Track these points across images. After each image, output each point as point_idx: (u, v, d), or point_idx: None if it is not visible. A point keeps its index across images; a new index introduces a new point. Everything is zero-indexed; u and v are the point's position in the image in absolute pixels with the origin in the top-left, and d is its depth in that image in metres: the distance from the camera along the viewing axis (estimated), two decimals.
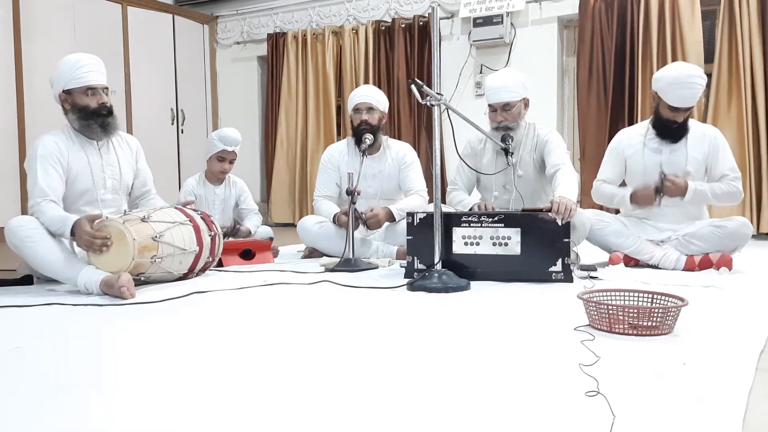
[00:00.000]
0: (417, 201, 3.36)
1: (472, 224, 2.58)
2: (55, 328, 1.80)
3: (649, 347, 1.48)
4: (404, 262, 2.73)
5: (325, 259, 3.14)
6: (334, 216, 3.27)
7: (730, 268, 2.70)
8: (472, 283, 2.42)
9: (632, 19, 4.77)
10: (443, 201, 2.98)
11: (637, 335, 1.58)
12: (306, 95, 6.06)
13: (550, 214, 2.51)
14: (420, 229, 2.62)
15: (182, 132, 6.23)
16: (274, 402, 1.14)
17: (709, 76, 4.53)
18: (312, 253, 3.48)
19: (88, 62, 2.57)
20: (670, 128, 2.87)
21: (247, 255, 3.24)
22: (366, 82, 5.64)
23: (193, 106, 6.38)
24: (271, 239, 3.57)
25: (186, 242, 2.57)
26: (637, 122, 4.22)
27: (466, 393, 1.17)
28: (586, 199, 4.49)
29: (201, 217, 2.78)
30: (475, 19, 5.20)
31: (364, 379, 1.27)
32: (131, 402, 1.15)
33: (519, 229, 2.52)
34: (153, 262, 2.42)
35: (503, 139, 2.93)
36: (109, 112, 2.62)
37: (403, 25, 5.62)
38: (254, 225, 3.62)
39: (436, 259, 2.44)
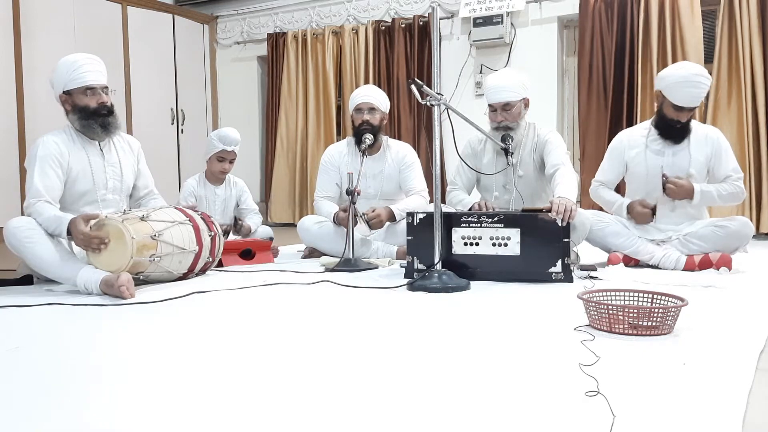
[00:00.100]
0: (418, 201, 3.36)
1: (472, 224, 2.58)
2: (55, 328, 1.80)
3: (649, 347, 1.48)
4: (404, 262, 2.73)
5: (325, 259, 3.14)
6: (333, 215, 3.26)
7: (730, 268, 2.70)
8: (472, 283, 2.42)
9: (632, 19, 4.77)
10: (443, 201, 2.98)
11: (637, 335, 1.58)
12: (306, 95, 6.06)
13: (550, 214, 2.50)
14: (420, 229, 2.62)
15: (182, 132, 6.23)
16: (274, 402, 1.14)
17: (710, 77, 4.55)
18: (312, 253, 3.48)
19: (87, 62, 2.56)
20: (674, 128, 2.86)
21: (247, 255, 3.24)
22: (366, 82, 5.64)
23: (193, 106, 6.38)
24: (271, 239, 3.57)
25: (185, 242, 2.57)
26: (637, 122, 4.23)
27: (466, 393, 1.17)
28: (585, 199, 4.49)
29: (201, 217, 2.78)
30: (475, 19, 5.20)
31: (364, 379, 1.27)
32: (131, 402, 1.15)
33: (519, 229, 2.52)
34: (152, 261, 2.41)
35: (503, 139, 2.93)
36: (110, 111, 2.62)
37: (403, 25, 5.62)
38: (254, 225, 3.62)
39: (436, 259, 2.44)
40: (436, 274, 2.38)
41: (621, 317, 1.61)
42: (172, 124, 6.15)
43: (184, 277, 2.66)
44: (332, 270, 2.89)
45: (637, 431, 0.98)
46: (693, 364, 1.33)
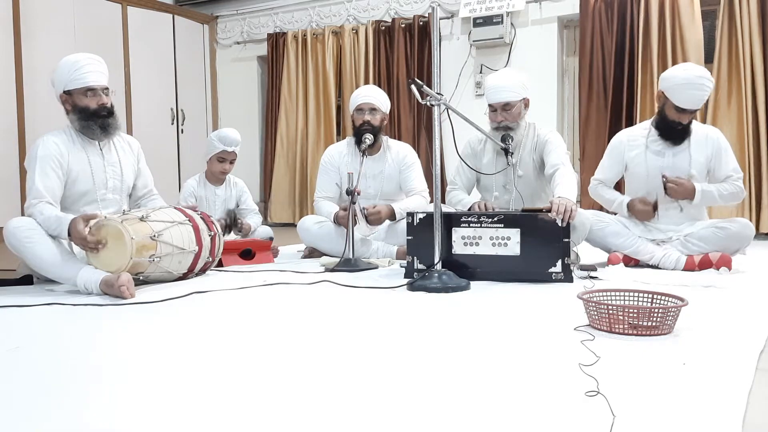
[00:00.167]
0: (418, 201, 3.36)
1: (471, 224, 2.58)
2: (55, 328, 1.80)
3: (649, 347, 1.48)
4: (404, 262, 2.73)
5: (325, 259, 3.14)
6: (334, 215, 3.27)
7: (729, 268, 2.70)
8: (472, 283, 2.42)
9: (632, 19, 4.77)
10: (443, 201, 2.98)
11: (637, 335, 1.58)
12: (306, 95, 6.07)
13: (550, 214, 2.50)
14: (420, 229, 2.62)
15: (182, 132, 6.23)
16: (274, 402, 1.14)
17: (713, 79, 4.54)
18: (312, 253, 3.48)
19: (88, 62, 2.56)
20: (674, 130, 2.86)
21: (247, 255, 3.24)
22: (366, 82, 5.64)
23: (193, 106, 6.38)
24: (271, 239, 3.57)
25: (185, 242, 2.57)
26: (637, 122, 4.23)
27: (466, 393, 1.17)
28: (585, 199, 4.49)
29: (201, 217, 2.78)
30: (475, 19, 5.20)
31: (364, 379, 1.27)
32: (131, 402, 1.15)
33: (519, 229, 2.52)
34: (152, 262, 2.41)
35: (503, 139, 2.93)
36: (110, 112, 2.61)
37: (403, 25, 5.62)
38: (254, 224, 3.62)
39: (436, 259, 2.44)
40: (436, 274, 2.38)
41: (621, 317, 1.61)
42: (172, 124, 6.16)
43: (184, 277, 2.66)
44: (332, 270, 2.89)
45: (637, 431, 0.98)
46: (693, 364, 1.33)
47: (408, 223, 2.65)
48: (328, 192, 3.47)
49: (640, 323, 1.61)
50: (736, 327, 1.70)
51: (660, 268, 2.82)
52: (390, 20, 5.72)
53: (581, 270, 2.69)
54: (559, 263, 2.48)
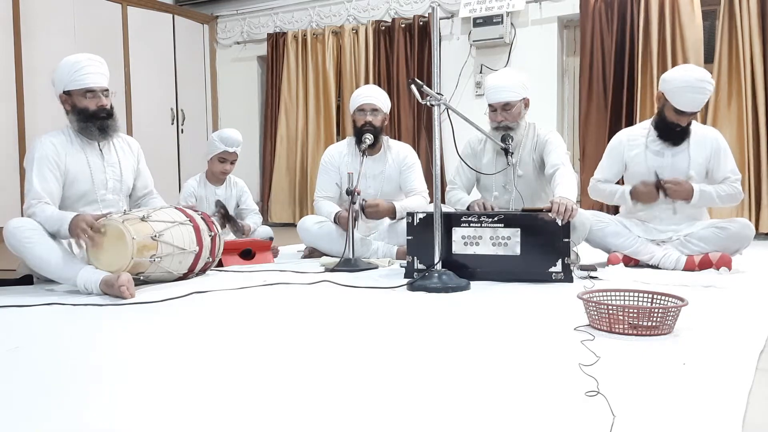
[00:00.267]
0: (419, 201, 3.36)
1: (472, 224, 2.58)
2: (55, 328, 1.80)
3: (649, 347, 1.48)
4: (404, 262, 2.73)
5: (325, 259, 3.14)
6: (335, 215, 3.27)
7: (729, 268, 2.70)
8: (472, 283, 2.42)
9: (632, 19, 4.77)
10: (443, 201, 2.98)
11: (637, 335, 1.58)
12: (306, 95, 6.07)
13: (550, 214, 2.50)
14: (420, 229, 2.62)
15: (182, 132, 6.23)
16: (274, 402, 1.14)
17: (713, 81, 4.54)
18: (312, 253, 3.48)
19: (88, 63, 2.56)
20: (673, 131, 2.86)
21: (247, 255, 3.24)
22: (366, 82, 5.64)
23: (193, 106, 6.38)
24: (271, 239, 3.57)
25: (186, 242, 2.57)
26: (636, 122, 4.22)
27: (466, 393, 1.17)
28: (585, 199, 4.49)
29: (201, 218, 2.78)
30: (475, 19, 5.20)
31: (364, 379, 1.27)
32: (131, 402, 1.15)
33: (519, 229, 2.52)
34: (152, 262, 2.41)
35: (503, 139, 2.93)
36: (109, 114, 2.61)
37: (403, 25, 5.62)
38: (254, 224, 3.62)
39: (436, 259, 2.44)
40: (436, 274, 2.38)
41: (621, 317, 1.61)
42: (172, 124, 6.16)
43: (184, 277, 2.67)
44: (332, 270, 2.89)
45: (637, 431, 0.98)
46: (693, 364, 1.33)
47: (408, 223, 2.66)
48: (328, 192, 3.46)
49: (640, 323, 1.61)
50: (736, 327, 1.70)
51: (660, 268, 2.82)
52: (390, 20, 5.72)
53: (581, 270, 2.69)
54: (559, 263, 2.48)
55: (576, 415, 1.05)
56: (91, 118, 2.57)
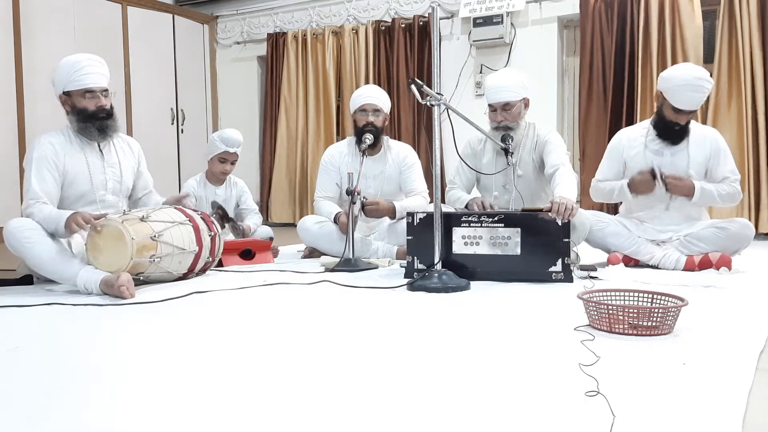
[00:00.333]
0: (419, 201, 3.36)
1: (472, 224, 2.58)
2: (55, 328, 1.80)
3: (649, 347, 1.48)
4: (404, 262, 2.73)
5: (325, 259, 3.14)
6: (335, 216, 3.27)
7: (729, 268, 2.70)
8: (472, 283, 2.42)
9: (632, 19, 4.77)
10: (443, 201, 2.98)
11: (637, 335, 1.58)
12: (306, 95, 6.07)
13: (550, 214, 2.50)
14: (420, 229, 2.62)
15: (182, 132, 6.23)
16: (274, 402, 1.14)
17: (712, 80, 4.54)
18: (312, 253, 3.48)
19: (88, 64, 2.55)
20: (672, 130, 2.85)
21: (247, 255, 3.24)
22: (366, 82, 5.64)
23: (193, 106, 6.38)
24: (271, 239, 3.57)
25: (185, 242, 2.57)
26: (637, 122, 4.22)
27: (466, 393, 1.17)
28: (585, 200, 4.49)
29: (201, 217, 2.78)
30: (475, 19, 5.20)
31: (364, 379, 1.27)
32: (131, 402, 1.15)
33: (519, 229, 2.52)
34: (152, 262, 2.41)
35: (503, 139, 2.93)
36: (108, 114, 2.61)
37: (403, 25, 5.62)
38: (254, 224, 3.62)
39: (436, 259, 2.44)
40: (436, 274, 2.38)
41: (621, 317, 1.61)
42: (172, 124, 6.16)
43: (184, 277, 2.67)
44: (332, 270, 2.89)
45: (637, 431, 0.98)
46: (693, 364, 1.33)
47: (408, 223, 2.66)
48: (329, 192, 3.46)
49: (640, 323, 1.61)
50: (736, 327, 1.70)
51: (660, 269, 2.82)
52: (390, 20, 5.72)
53: (581, 270, 2.69)
54: (559, 263, 2.48)
55: (576, 415, 1.05)
56: (91, 119, 2.57)
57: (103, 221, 2.37)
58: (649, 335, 1.58)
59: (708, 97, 4.44)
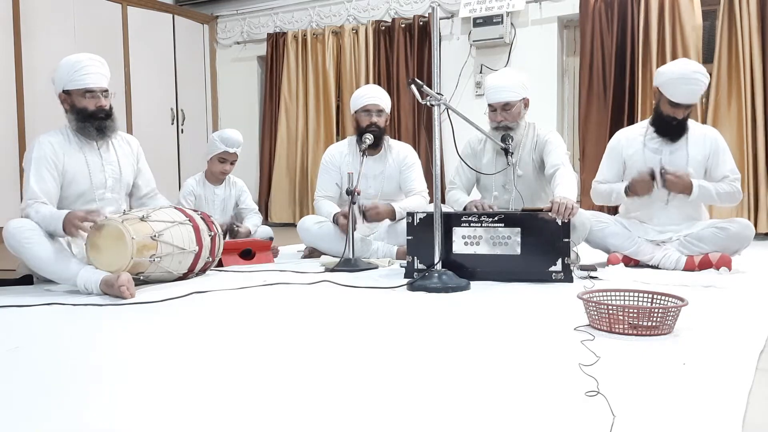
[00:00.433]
0: (418, 201, 3.36)
1: (472, 224, 2.58)
2: (55, 328, 1.80)
3: (649, 347, 1.48)
4: (404, 262, 2.73)
5: (325, 259, 3.14)
6: (334, 216, 3.27)
7: (729, 269, 2.70)
8: (472, 283, 2.42)
9: (632, 19, 4.77)
10: (443, 201, 2.98)
11: (637, 335, 1.58)
12: (306, 95, 6.06)
13: (550, 214, 2.50)
14: (420, 229, 2.62)
15: (182, 132, 6.23)
16: (274, 402, 1.14)
17: (708, 76, 4.54)
18: (312, 253, 3.48)
19: (89, 63, 2.56)
20: (669, 125, 2.85)
21: (247, 255, 3.24)
22: (366, 82, 5.64)
23: (193, 106, 6.38)
24: (271, 239, 3.57)
25: (185, 242, 2.57)
26: (637, 122, 4.22)
27: (466, 393, 1.17)
28: (585, 200, 4.49)
29: (201, 217, 2.78)
30: (475, 19, 5.20)
31: (364, 379, 1.27)
32: (131, 402, 1.15)
33: (519, 229, 2.52)
34: (152, 262, 2.42)
35: (503, 139, 2.93)
36: (107, 115, 2.61)
37: (403, 25, 5.62)
38: (254, 225, 3.61)
39: (436, 259, 2.44)
40: (436, 274, 2.38)
41: (621, 317, 1.61)
42: (172, 124, 6.15)
43: (184, 277, 2.67)
44: (332, 270, 2.89)
45: (637, 431, 0.98)
46: (693, 364, 1.33)
47: (408, 223, 2.66)
48: (329, 191, 3.47)
49: (640, 323, 1.61)
50: (736, 327, 1.70)
51: (660, 269, 2.82)
52: (390, 20, 5.72)
53: (581, 270, 2.69)
54: (559, 263, 2.48)
55: (576, 415, 1.05)
56: (90, 118, 2.57)
57: (104, 221, 2.37)
58: (649, 335, 1.58)
59: (708, 97, 4.50)
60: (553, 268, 2.49)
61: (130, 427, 1.03)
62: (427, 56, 5.51)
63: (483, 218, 2.57)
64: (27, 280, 2.58)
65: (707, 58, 4.53)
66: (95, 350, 1.55)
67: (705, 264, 2.75)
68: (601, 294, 1.76)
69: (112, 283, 2.23)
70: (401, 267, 2.84)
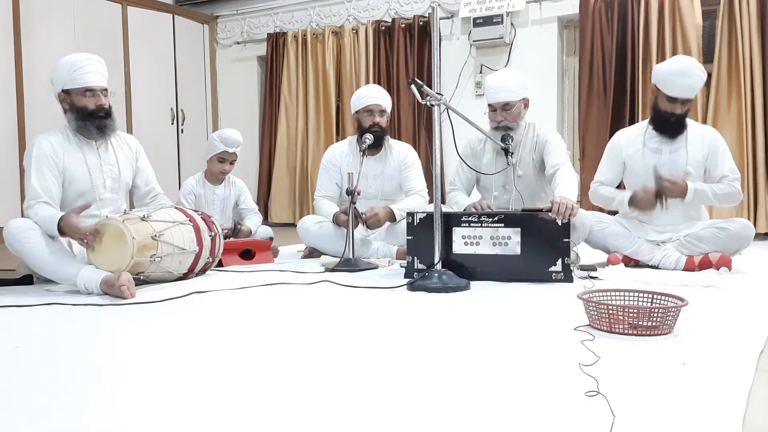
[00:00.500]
0: (418, 201, 3.36)
1: (472, 224, 2.58)
2: (55, 328, 1.80)
3: (649, 347, 1.48)
4: (404, 262, 2.73)
5: (325, 259, 3.14)
6: (334, 215, 3.27)
7: (729, 269, 2.70)
8: (472, 283, 2.42)
9: (632, 19, 4.77)
10: (443, 201, 2.98)
11: (637, 335, 1.58)
12: (306, 95, 6.06)
13: (550, 214, 2.50)
14: (420, 229, 2.62)
15: (182, 132, 6.23)
16: (274, 402, 1.14)
17: (708, 76, 4.53)
18: (312, 253, 3.48)
19: (88, 63, 2.56)
20: (668, 121, 2.85)
21: (247, 255, 3.24)
22: (366, 82, 5.64)
23: (193, 106, 6.38)
24: (271, 239, 3.57)
25: (186, 242, 2.57)
26: (637, 122, 4.22)
27: (466, 393, 1.17)
28: (585, 200, 4.49)
29: (201, 217, 2.78)
30: (475, 19, 5.20)
31: (364, 379, 1.27)
32: (131, 402, 1.15)
33: (519, 229, 2.52)
34: (152, 262, 2.42)
35: (503, 139, 2.93)
36: (107, 114, 2.61)
37: (403, 25, 5.62)
38: (254, 224, 3.62)
39: (436, 259, 2.44)
40: (436, 274, 2.38)
41: (621, 317, 1.61)
42: (172, 124, 6.15)
43: (184, 277, 2.67)
44: (332, 270, 2.89)
45: (637, 431, 0.98)
46: (693, 364, 1.33)
47: (408, 223, 2.66)
48: (329, 191, 3.47)
49: (640, 323, 1.61)
50: (736, 327, 1.70)
51: (660, 269, 2.82)
52: (390, 20, 5.72)
53: (581, 270, 2.69)
54: (559, 263, 2.48)
55: (576, 415, 1.05)
56: (90, 117, 2.58)
57: (104, 221, 2.37)
58: (649, 335, 1.58)
59: (708, 97, 4.50)
60: (553, 268, 2.49)
61: (130, 427, 1.03)
62: (427, 56, 5.51)
63: (483, 218, 2.57)
64: (27, 280, 2.58)
65: (707, 58, 4.53)
66: (95, 350, 1.55)
67: (705, 264, 2.76)
68: (601, 294, 1.76)
69: (113, 283, 2.23)
70: (401, 267, 2.84)
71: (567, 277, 2.48)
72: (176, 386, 1.24)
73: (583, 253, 3.05)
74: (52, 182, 2.52)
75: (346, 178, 3.09)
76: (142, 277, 2.47)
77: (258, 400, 1.15)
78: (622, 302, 1.75)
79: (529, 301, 2.12)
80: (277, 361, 1.42)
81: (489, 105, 3.00)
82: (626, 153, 2.99)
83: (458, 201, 3.08)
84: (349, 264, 2.92)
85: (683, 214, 2.90)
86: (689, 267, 2.77)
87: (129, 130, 5.55)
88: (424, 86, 2.38)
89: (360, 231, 3.22)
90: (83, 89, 2.55)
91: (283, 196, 6.19)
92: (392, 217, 3.27)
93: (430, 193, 3.00)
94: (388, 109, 3.39)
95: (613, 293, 1.76)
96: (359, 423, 1.03)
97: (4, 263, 2.98)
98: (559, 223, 2.49)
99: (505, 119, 2.96)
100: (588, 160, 4.90)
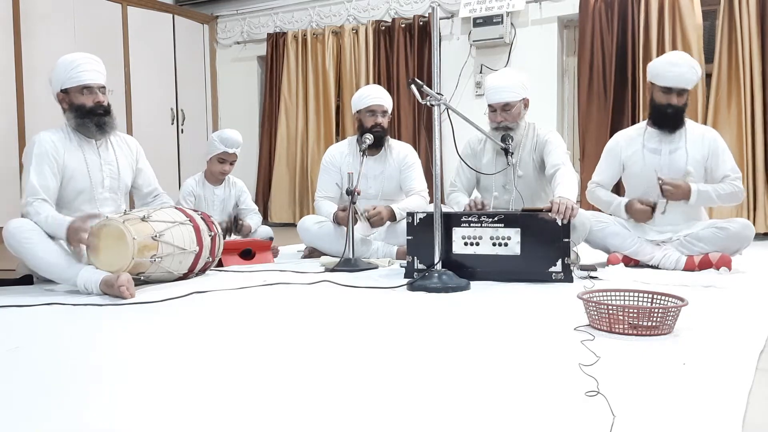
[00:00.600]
0: (418, 201, 3.36)
1: (472, 224, 2.58)
2: (55, 328, 1.80)
3: (649, 347, 1.48)
4: (404, 262, 2.73)
5: (325, 259, 3.14)
6: (333, 213, 3.27)
7: (729, 269, 2.70)
8: (472, 283, 2.42)
9: (632, 19, 4.77)
10: (443, 201, 2.98)
11: (637, 335, 1.58)
12: (306, 95, 6.06)
13: (550, 214, 2.50)
14: (420, 229, 2.62)
15: (182, 132, 6.23)
16: (274, 402, 1.14)
17: (709, 76, 4.55)
18: (312, 253, 3.48)
19: (85, 61, 2.57)
20: (665, 114, 2.85)
21: (247, 255, 3.24)
22: (366, 82, 5.64)
23: (193, 106, 6.38)
24: (271, 239, 3.57)
25: (186, 242, 2.57)
26: (637, 122, 4.22)
27: (466, 393, 1.17)
28: (585, 200, 4.48)
29: (201, 218, 2.78)
30: (475, 19, 5.20)
31: (364, 379, 1.27)
32: (131, 402, 1.15)
33: (519, 229, 2.52)
34: (153, 262, 2.42)
35: (503, 139, 2.93)
36: (106, 111, 2.62)
37: (403, 25, 5.62)
38: (254, 224, 3.62)
39: (436, 259, 2.44)
40: (436, 274, 2.38)
41: (621, 317, 1.61)
42: (172, 124, 6.15)
43: (184, 277, 2.67)
44: (332, 270, 2.89)
45: (637, 431, 0.98)
46: (693, 364, 1.33)
47: (408, 223, 2.66)
48: (329, 192, 3.47)
49: (640, 323, 1.61)
50: (736, 327, 1.70)
51: (660, 269, 2.82)
52: (390, 20, 5.72)
53: (581, 270, 2.69)
54: (559, 263, 2.48)
55: (576, 415, 1.05)
56: (89, 115, 2.58)
57: (104, 221, 2.37)
58: (649, 335, 1.58)
59: (708, 98, 4.50)
60: (553, 269, 2.49)
61: (130, 427, 1.03)
62: (427, 56, 5.51)
63: (483, 218, 2.57)
64: (27, 280, 2.58)
65: (707, 59, 4.53)
66: (95, 350, 1.55)
67: (705, 264, 2.75)
68: (601, 294, 1.76)
69: (112, 283, 2.23)
70: (401, 267, 2.84)
71: (567, 277, 2.48)
72: (176, 386, 1.24)
73: (583, 253, 3.05)
74: (50, 180, 2.52)
75: (346, 178, 3.09)
76: (142, 278, 2.47)
77: (258, 400, 1.15)
78: (622, 302, 1.75)
79: (529, 301, 2.12)
80: (277, 361, 1.42)
81: (489, 105, 3.00)
82: (625, 154, 2.99)
83: (459, 202, 3.08)
84: (349, 264, 2.92)
85: (683, 214, 2.90)
86: (689, 267, 2.77)
87: (129, 130, 5.55)
88: (424, 86, 2.38)
89: (360, 230, 3.22)
90: (81, 87, 2.55)
91: (283, 196, 6.19)
92: (393, 216, 3.27)
93: (431, 193, 2.99)
94: (390, 110, 3.40)
95: (613, 293, 1.76)
96: (359, 423, 1.03)
97: (4, 263, 2.99)
98: (559, 223, 2.49)
99: (505, 119, 2.96)
100: (588, 160, 4.90)
